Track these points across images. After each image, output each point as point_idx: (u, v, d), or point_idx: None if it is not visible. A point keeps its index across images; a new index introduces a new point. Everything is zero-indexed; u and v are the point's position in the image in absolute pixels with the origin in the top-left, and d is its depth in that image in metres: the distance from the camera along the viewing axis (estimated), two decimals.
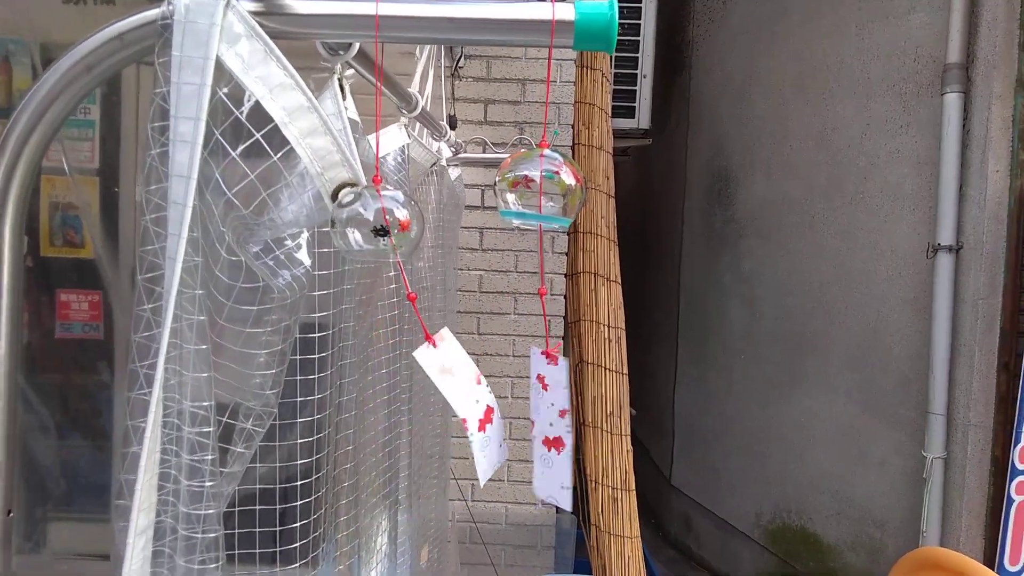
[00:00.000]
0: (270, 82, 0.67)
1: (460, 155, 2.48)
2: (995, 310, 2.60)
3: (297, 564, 0.87)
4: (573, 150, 2.93)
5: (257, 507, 0.83)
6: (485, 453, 1.04)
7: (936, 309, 2.70)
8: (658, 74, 3.61)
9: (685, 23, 4.57)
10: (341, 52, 0.86)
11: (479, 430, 1.02)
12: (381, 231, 0.72)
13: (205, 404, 0.68)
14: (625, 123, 3.48)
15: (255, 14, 0.68)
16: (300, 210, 0.73)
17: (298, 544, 0.87)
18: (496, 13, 0.70)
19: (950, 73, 2.66)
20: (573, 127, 2.91)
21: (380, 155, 1.06)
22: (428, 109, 1.59)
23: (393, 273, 1.31)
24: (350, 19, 0.71)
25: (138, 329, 0.67)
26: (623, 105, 3.46)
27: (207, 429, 0.68)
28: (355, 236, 0.73)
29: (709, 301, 4.19)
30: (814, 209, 3.34)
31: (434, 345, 0.98)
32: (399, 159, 1.31)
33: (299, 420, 0.86)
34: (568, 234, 2.89)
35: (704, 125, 4.29)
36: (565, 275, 2.94)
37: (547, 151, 0.80)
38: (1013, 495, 2.48)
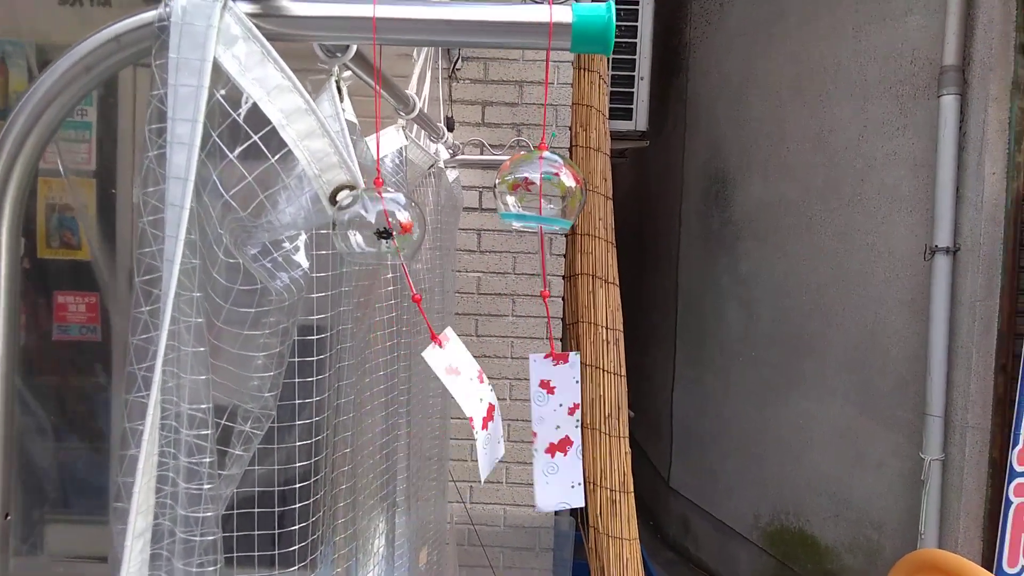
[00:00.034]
0: (267, 84, 0.67)
1: (458, 157, 2.48)
2: (992, 312, 2.61)
3: (296, 567, 0.86)
4: (571, 152, 2.94)
5: (256, 510, 0.83)
6: (487, 450, 1.05)
7: (933, 311, 2.70)
8: (655, 76, 3.61)
9: (682, 25, 4.58)
10: (338, 54, 0.86)
11: (482, 428, 1.03)
12: (384, 233, 0.72)
13: (203, 407, 0.68)
14: (622, 125, 3.49)
15: (252, 16, 0.68)
16: (298, 212, 0.73)
17: (296, 547, 0.86)
18: (494, 15, 0.70)
19: (946, 75, 2.66)
20: (571, 129, 2.91)
21: (381, 156, 1.05)
22: (426, 111, 1.59)
23: (391, 275, 1.31)
24: (347, 21, 0.71)
25: (136, 331, 0.67)
26: (620, 107, 3.47)
27: (205, 432, 0.68)
28: (357, 238, 0.73)
29: (707, 303, 4.19)
30: (811, 211, 3.35)
31: (440, 345, 0.98)
32: (397, 161, 1.31)
33: (297, 422, 0.86)
34: (565, 236, 2.89)
35: (701, 127, 4.30)
36: (563, 277, 2.94)
37: (546, 153, 0.80)
38: (1011, 497, 2.48)
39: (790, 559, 3.46)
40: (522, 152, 0.83)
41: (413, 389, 1.56)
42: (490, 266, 2.86)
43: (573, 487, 1.08)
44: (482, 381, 1.04)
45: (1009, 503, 2.49)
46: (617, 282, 2.95)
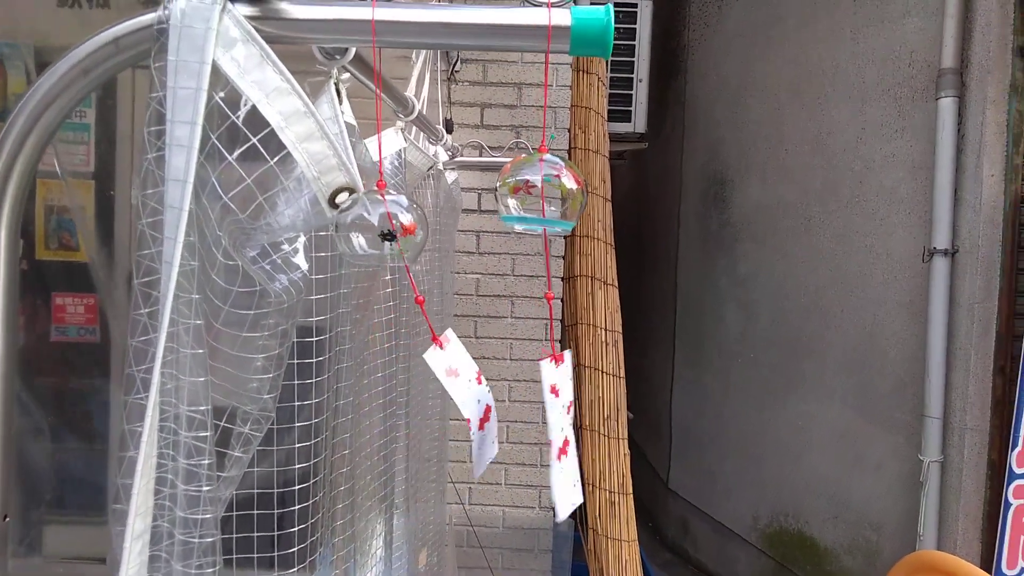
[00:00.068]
0: (266, 86, 0.67)
1: (457, 159, 2.48)
2: (991, 314, 2.61)
3: (295, 568, 0.86)
4: (570, 154, 2.94)
5: (255, 511, 0.83)
6: (481, 451, 1.06)
7: (932, 313, 2.71)
8: (654, 78, 3.62)
9: (681, 27, 4.59)
10: (337, 56, 0.86)
11: (479, 429, 1.04)
12: (388, 235, 0.73)
13: (202, 408, 0.68)
14: (621, 127, 3.49)
15: (251, 18, 0.68)
16: (297, 214, 0.73)
17: (296, 548, 0.86)
18: (493, 18, 0.70)
19: (945, 78, 2.67)
20: (569, 131, 2.91)
21: (378, 159, 1.06)
22: (424, 113, 1.59)
23: (390, 277, 1.31)
24: (346, 24, 0.71)
25: (135, 333, 0.67)
26: (619, 109, 3.47)
27: (204, 433, 0.68)
28: (359, 240, 0.73)
29: (705, 304, 4.19)
30: (810, 213, 3.35)
31: (441, 347, 0.99)
32: (396, 163, 1.31)
33: (297, 424, 0.86)
34: (564, 238, 2.89)
35: (700, 129, 4.30)
36: (562, 279, 2.94)
37: (547, 155, 0.80)
38: (1010, 499, 2.49)
39: (789, 561, 3.46)
40: (523, 155, 0.83)
41: (412, 391, 1.56)
42: (489, 268, 2.86)
43: (575, 485, 1.09)
44: (480, 383, 1.05)
45: (1008, 505, 2.49)
46: (616, 284, 2.95)
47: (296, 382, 0.85)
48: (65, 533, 2.25)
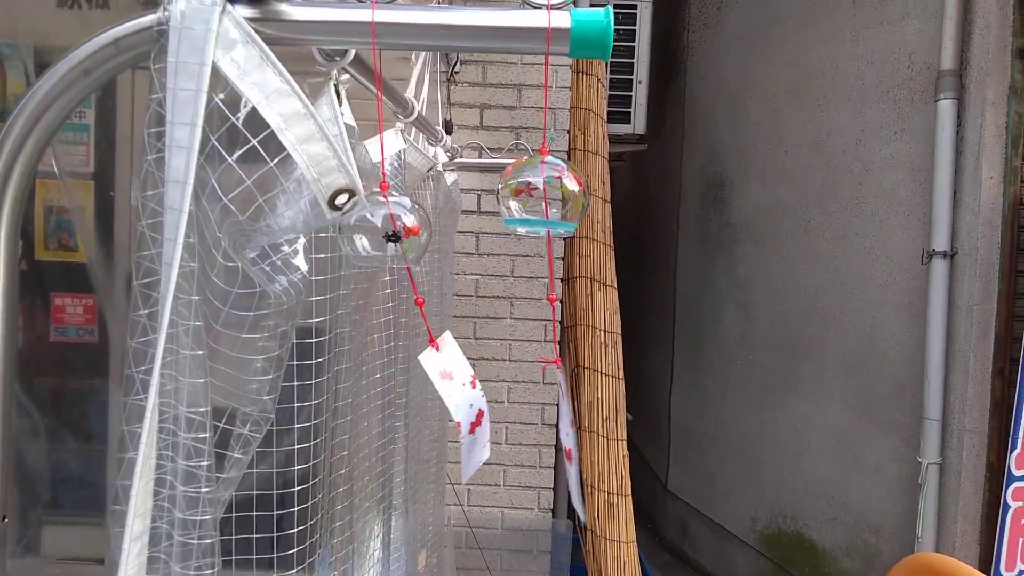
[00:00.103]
0: (266, 88, 0.67)
1: (456, 160, 2.48)
2: (990, 316, 2.61)
3: (294, 569, 0.86)
4: (569, 155, 2.94)
5: (254, 513, 0.83)
6: (471, 454, 1.06)
7: (931, 315, 2.71)
8: (653, 80, 3.62)
9: (680, 29, 4.59)
10: (337, 58, 0.86)
11: (469, 432, 1.04)
12: (392, 237, 0.73)
13: (201, 410, 0.68)
14: (621, 128, 3.49)
15: (251, 20, 0.68)
16: (296, 216, 0.73)
17: (295, 550, 0.86)
18: (492, 20, 0.70)
19: (944, 80, 2.67)
20: (569, 132, 2.91)
21: (378, 160, 1.06)
22: (424, 114, 1.59)
23: (389, 278, 1.31)
24: (346, 26, 0.71)
25: (134, 334, 0.67)
26: (619, 110, 3.47)
27: (203, 435, 0.68)
28: (363, 242, 0.73)
29: (704, 306, 4.19)
30: (809, 215, 3.35)
31: (437, 349, 0.99)
32: (395, 164, 1.32)
33: (296, 425, 0.86)
34: (564, 239, 2.89)
35: (699, 130, 4.31)
36: (561, 280, 2.94)
37: (549, 157, 0.80)
38: (1009, 501, 2.49)
39: (788, 562, 3.46)
40: (524, 157, 0.83)
41: (412, 392, 1.56)
42: (488, 269, 2.86)
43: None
44: (474, 387, 1.05)
45: (1007, 507, 2.49)
46: (615, 285, 2.95)
47: (296, 383, 0.85)
48: (63, 534, 2.25)
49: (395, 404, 1.40)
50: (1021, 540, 2.49)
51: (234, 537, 0.80)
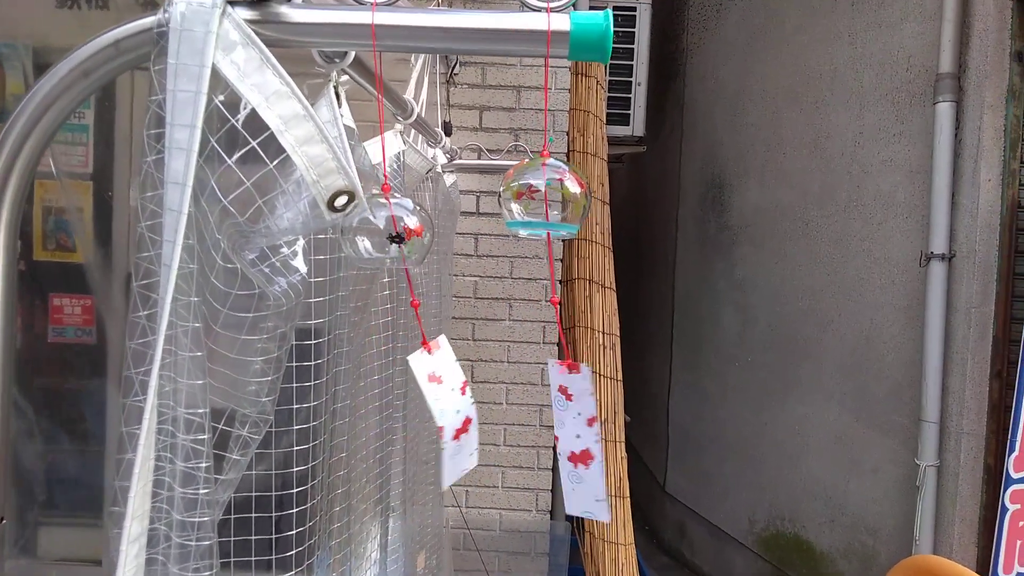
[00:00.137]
0: (266, 90, 0.67)
1: (455, 161, 2.48)
2: (988, 318, 2.62)
3: (293, 571, 0.86)
4: (568, 157, 2.94)
5: (253, 514, 0.83)
6: (454, 461, 1.04)
7: (929, 317, 2.71)
8: (652, 81, 3.62)
9: (679, 31, 4.60)
10: (337, 60, 0.86)
11: (453, 439, 1.01)
12: (397, 238, 0.73)
13: (200, 411, 0.68)
14: (620, 130, 3.49)
15: (251, 22, 0.68)
16: (296, 217, 0.73)
17: (294, 551, 0.86)
18: (492, 23, 0.71)
19: (942, 83, 2.67)
20: (568, 134, 2.91)
21: (377, 162, 1.06)
22: (423, 115, 1.60)
23: (388, 279, 1.31)
24: (346, 28, 0.71)
25: (133, 336, 0.67)
26: (618, 112, 3.47)
27: (202, 436, 0.68)
28: (365, 244, 0.73)
29: (703, 308, 4.20)
30: (807, 216, 3.36)
31: (429, 352, 0.98)
32: (395, 166, 1.32)
33: (295, 427, 0.86)
34: (562, 241, 2.89)
35: (698, 132, 4.31)
36: (560, 281, 2.94)
37: (550, 160, 0.80)
38: (1007, 504, 2.49)
39: (785, 564, 3.46)
40: (526, 159, 0.83)
41: (411, 393, 1.56)
42: (487, 270, 2.86)
43: (597, 502, 1.06)
44: (464, 393, 1.03)
45: (1005, 510, 2.49)
46: (614, 287, 2.96)
47: (295, 385, 0.85)
48: (60, 535, 2.25)
49: (393, 406, 1.41)
50: (1019, 543, 2.49)
51: (233, 539, 0.80)
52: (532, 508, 2.90)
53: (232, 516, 0.79)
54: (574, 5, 0.72)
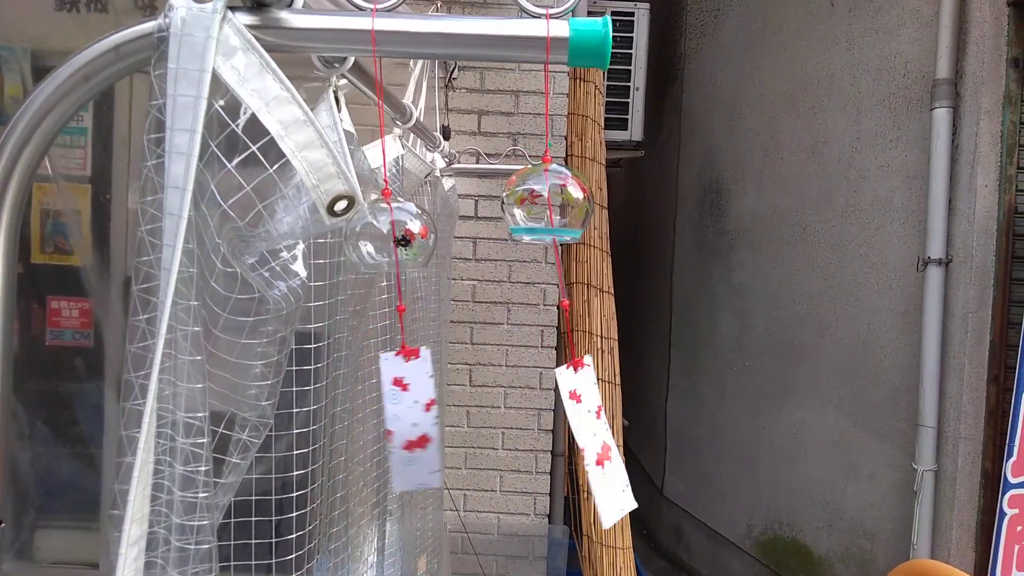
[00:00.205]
0: (266, 95, 0.68)
1: (454, 166, 2.48)
2: (985, 323, 2.62)
3: (292, 575, 0.86)
4: (566, 161, 2.95)
5: (253, 518, 0.83)
6: (407, 470, 0.98)
7: (926, 322, 2.72)
8: (650, 87, 3.63)
9: (677, 36, 4.61)
10: (336, 65, 0.86)
11: (404, 449, 0.96)
12: (402, 241, 0.73)
13: (199, 415, 0.68)
14: (618, 135, 3.50)
15: (251, 27, 0.69)
16: (295, 222, 0.74)
17: (294, 555, 0.86)
18: (492, 29, 0.71)
19: (939, 88, 2.68)
20: (566, 139, 2.92)
21: (376, 166, 1.06)
22: (422, 120, 1.60)
23: (386, 283, 1.31)
24: (346, 34, 0.71)
25: (133, 339, 0.67)
26: (616, 117, 3.48)
27: (201, 440, 0.68)
28: (367, 248, 0.74)
29: (701, 312, 4.20)
30: (805, 221, 3.37)
31: (406, 358, 0.95)
32: (394, 170, 1.32)
33: (295, 431, 0.86)
34: (561, 245, 2.89)
35: (696, 137, 4.32)
36: (557, 285, 2.94)
37: (553, 165, 0.80)
38: (1005, 508, 2.49)
39: (783, 569, 3.46)
40: (528, 165, 0.83)
41: None
42: (485, 274, 2.87)
43: (624, 491, 1.05)
44: (428, 410, 0.98)
45: (1003, 514, 2.49)
46: (612, 291, 2.96)
47: (294, 388, 0.85)
48: (56, 538, 2.24)
49: None
50: (1017, 547, 2.50)
51: (232, 543, 0.80)
52: (530, 512, 2.90)
53: (232, 520, 0.79)
54: (573, 11, 0.72)
